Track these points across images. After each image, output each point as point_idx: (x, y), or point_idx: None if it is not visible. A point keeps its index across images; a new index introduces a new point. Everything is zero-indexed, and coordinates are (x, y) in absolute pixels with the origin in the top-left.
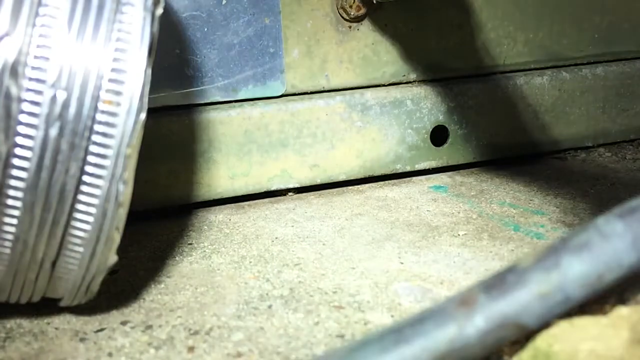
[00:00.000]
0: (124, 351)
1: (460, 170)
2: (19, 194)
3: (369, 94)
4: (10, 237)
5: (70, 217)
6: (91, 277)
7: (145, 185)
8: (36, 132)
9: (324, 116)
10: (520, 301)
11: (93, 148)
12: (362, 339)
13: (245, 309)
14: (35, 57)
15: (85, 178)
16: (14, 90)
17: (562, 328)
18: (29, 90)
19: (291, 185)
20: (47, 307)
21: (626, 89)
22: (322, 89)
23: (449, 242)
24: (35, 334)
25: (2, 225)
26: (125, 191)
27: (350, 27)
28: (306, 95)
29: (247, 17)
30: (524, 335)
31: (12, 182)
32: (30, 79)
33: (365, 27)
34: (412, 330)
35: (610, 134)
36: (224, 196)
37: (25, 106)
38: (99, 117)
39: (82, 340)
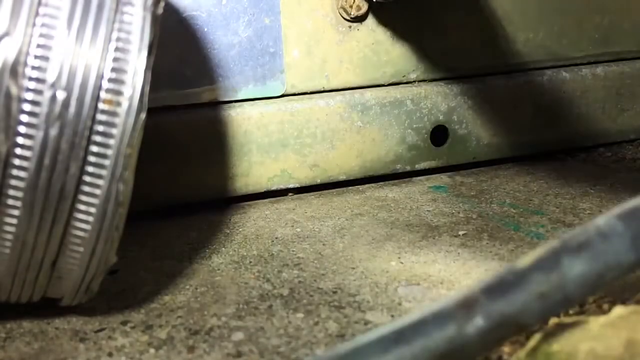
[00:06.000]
0: (124, 351)
1: (460, 170)
2: (19, 194)
3: (369, 94)
4: (10, 236)
5: (70, 216)
6: (91, 277)
7: (145, 185)
8: (36, 132)
9: (324, 116)
10: (520, 301)
11: (93, 148)
12: (362, 338)
13: (245, 309)
14: (35, 56)
15: (85, 178)
16: (13, 90)
17: (562, 328)
18: (29, 90)
19: (291, 185)
20: (47, 307)
21: (626, 89)
22: (322, 89)
23: (449, 242)
24: (35, 334)
25: (2, 225)
26: (125, 191)
27: (350, 27)
28: (306, 95)
29: (247, 17)
30: (524, 334)
31: (12, 182)
32: (30, 79)
33: (365, 27)
34: (412, 330)
35: (610, 134)
36: (224, 196)
37: (25, 106)
38: (99, 116)
39: (82, 340)
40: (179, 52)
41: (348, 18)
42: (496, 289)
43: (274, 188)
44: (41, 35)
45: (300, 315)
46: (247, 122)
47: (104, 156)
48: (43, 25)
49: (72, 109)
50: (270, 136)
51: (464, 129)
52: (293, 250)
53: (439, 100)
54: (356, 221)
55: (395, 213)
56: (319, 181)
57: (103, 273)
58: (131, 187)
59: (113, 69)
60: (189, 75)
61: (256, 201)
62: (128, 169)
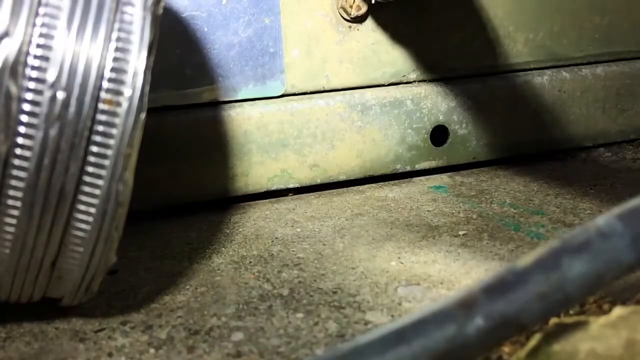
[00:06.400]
0: (124, 351)
1: (460, 170)
2: (19, 194)
3: (369, 94)
4: (10, 237)
5: (69, 217)
6: (91, 277)
7: (144, 185)
8: (36, 132)
9: (324, 116)
10: (520, 301)
11: (93, 148)
12: (362, 338)
13: (245, 309)
14: (35, 56)
15: (85, 178)
16: (13, 90)
17: (562, 328)
18: (28, 90)
19: (291, 185)
20: (47, 307)
21: (626, 89)
22: (322, 89)
23: (449, 242)
24: (35, 334)
25: (2, 225)
26: (125, 191)
27: (350, 27)
28: (306, 95)
29: (247, 17)
30: (524, 334)
31: (12, 182)
32: (30, 79)
33: (365, 27)
34: (412, 330)
35: (610, 134)
36: (224, 196)
37: (25, 106)
38: (99, 117)
39: (82, 340)
40: (179, 52)
41: (348, 18)
42: (496, 289)
43: (274, 188)
44: (41, 35)
45: (300, 315)
46: (247, 122)
47: (103, 156)
48: (43, 25)
49: (72, 109)
50: (270, 136)
51: (464, 129)
52: (293, 250)
53: (439, 100)
54: (356, 221)
55: (395, 213)
56: (319, 181)
57: (103, 273)
58: (131, 187)
59: (113, 69)
60: (189, 75)
61: (256, 201)
62: (128, 169)
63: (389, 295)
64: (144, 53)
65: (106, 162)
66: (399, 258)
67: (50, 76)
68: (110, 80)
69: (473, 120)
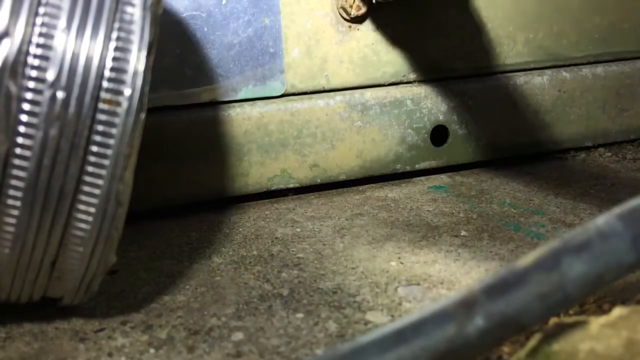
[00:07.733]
0: (124, 351)
1: (460, 171)
2: (19, 194)
3: (369, 94)
4: (9, 236)
5: (69, 216)
6: (91, 277)
7: (144, 185)
8: (36, 132)
9: (324, 116)
10: (520, 301)
11: (93, 148)
12: (362, 339)
13: (245, 309)
14: (35, 56)
15: (84, 178)
16: (13, 90)
17: (562, 328)
18: (28, 89)
19: (291, 185)
20: (47, 307)
21: (626, 89)
22: (322, 89)
23: (449, 242)
24: (35, 334)
25: (2, 225)
26: (125, 191)
27: (350, 27)
28: (306, 95)
29: (247, 17)
30: (524, 334)
31: (12, 182)
32: (30, 79)
33: (365, 27)
34: (412, 330)
35: (610, 134)
36: (224, 196)
37: (25, 106)
38: (99, 116)
39: (82, 340)
40: (179, 52)
41: (348, 18)
42: (496, 289)
43: (274, 188)
44: (41, 35)
45: (300, 315)
46: (247, 122)
47: (103, 156)
48: (43, 24)
49: (71, 108)
50: (270, 136)
51: (464, 129)
52: (293, 250)
53: (439, 100)
54: (356, 221)
55: (395, 213)
56: (319, 181)
57: (103, 273)
58: (131, 187)
59: (113, 69)
60: (189, 75)
61: (256, 201)
62: (128, 169)
63: (389, 295)
64: (144, 53)
65: (106, 162)
66: (399, 258)
67: (50, 76)
68: (110, 80)
69: (473, 120)
